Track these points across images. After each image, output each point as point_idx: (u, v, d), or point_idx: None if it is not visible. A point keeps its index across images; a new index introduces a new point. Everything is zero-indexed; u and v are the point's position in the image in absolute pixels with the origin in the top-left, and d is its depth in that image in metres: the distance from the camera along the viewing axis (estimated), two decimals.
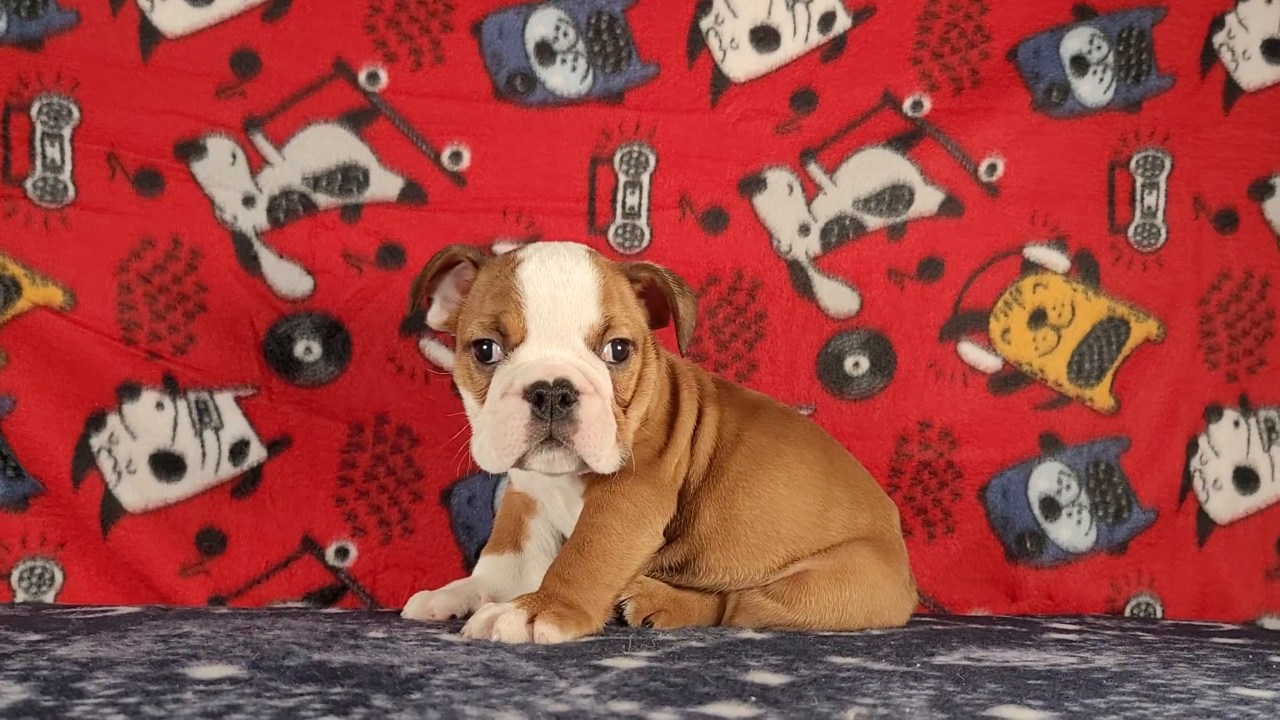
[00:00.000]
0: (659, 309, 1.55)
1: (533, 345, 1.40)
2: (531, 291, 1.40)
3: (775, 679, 1.12)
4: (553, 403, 1.34)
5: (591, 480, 1.47)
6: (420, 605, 1.56)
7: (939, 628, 1.68)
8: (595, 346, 1.42)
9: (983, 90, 2.07)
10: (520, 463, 1.38)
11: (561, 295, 1.40)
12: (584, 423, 1.36)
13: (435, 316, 1.57)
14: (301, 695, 0.96)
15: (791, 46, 2.04)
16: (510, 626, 1.29)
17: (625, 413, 1.44)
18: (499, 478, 1.88)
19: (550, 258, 1.44)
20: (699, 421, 1.58)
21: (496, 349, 1.42)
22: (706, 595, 1.59)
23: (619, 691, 1.02)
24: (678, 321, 1.52)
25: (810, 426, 1.72)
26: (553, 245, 1.48)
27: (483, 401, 1.43)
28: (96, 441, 1.79)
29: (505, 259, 1.47)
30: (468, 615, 1.51)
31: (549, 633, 1.29)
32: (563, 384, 1.35)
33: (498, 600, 1.56)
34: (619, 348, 1.43)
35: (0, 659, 1.10)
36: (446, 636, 1.33)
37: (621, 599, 1.49)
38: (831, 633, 1.54)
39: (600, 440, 1.37)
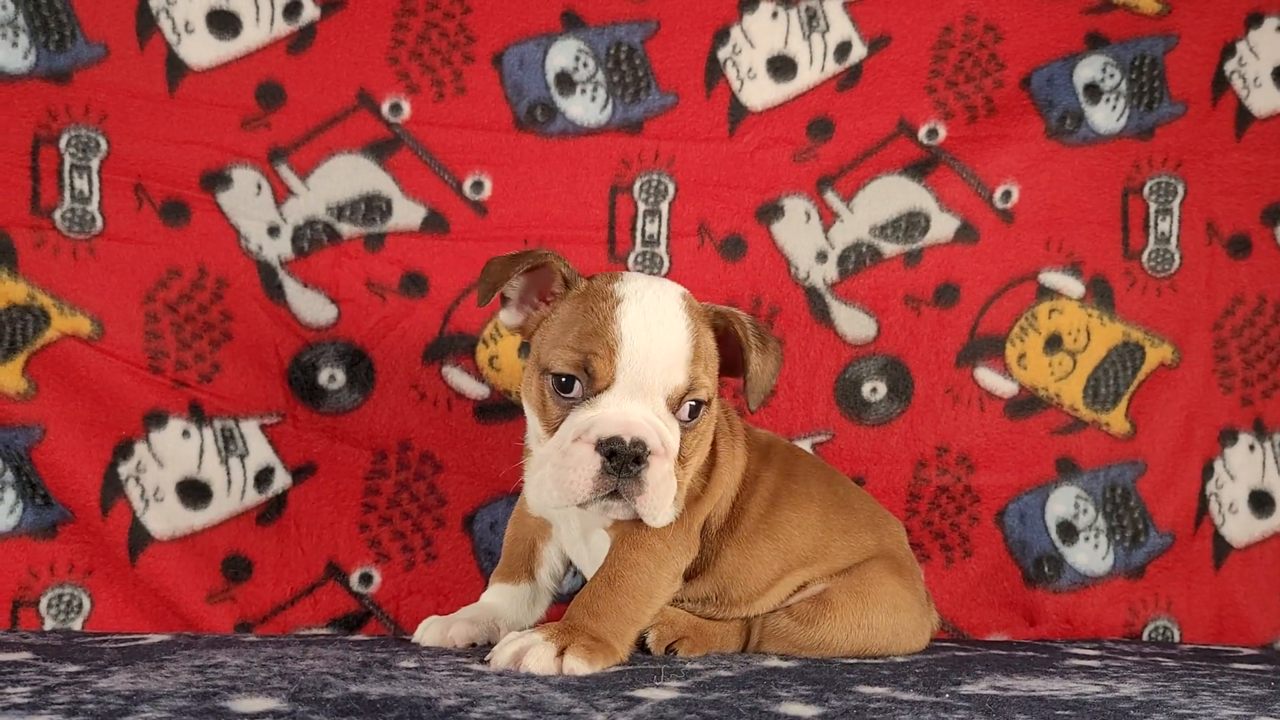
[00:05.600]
0: (731, 356, 1.53)
1: (617, 394, 1.38)
2: (628, 341, 1.38)
3: (807, 710, 1.13)
4: (625, 461, 1.34)
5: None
6: (439, 633, 1.57)
7: (961, 654, 1.70)
8: (675, 407, 1.41)
9: (997, 118, 2.10)
10: (579, 506, 1.39)
11: (655, 352, 1.39)
12: (649, 485, 1.36)
13: (510, 318, 1.54)
14: None
15: (808, 76, 2.06)
16: (539, 660, 1.30)
17: (683, 467, 1.44)
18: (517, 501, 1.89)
19: (652, 306, 1.42)
20: (719, 464, 1.58)
21: (579, 386, 1.40)
22: (728, 623, 1.61)
23: None
24: (747, 378, 1.50)
25: (813, 459, 1.77)
26: (652, 286, 1.45)
27: (550, 431, 1.42)
28: (124, 470, 1.81)
29: (601, 291, 1.44)
30: (487, 645, 1.54)
31: (578, 666, 1.31)
32: (639, 444, 1.35)
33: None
34: (694, 407, 1.43)
35: (45, 692, 1.11)
36: (478, 667, 1.34)
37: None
38: (856, 660, 1.55)
39: (661, 501, 1.38)
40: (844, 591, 1.60)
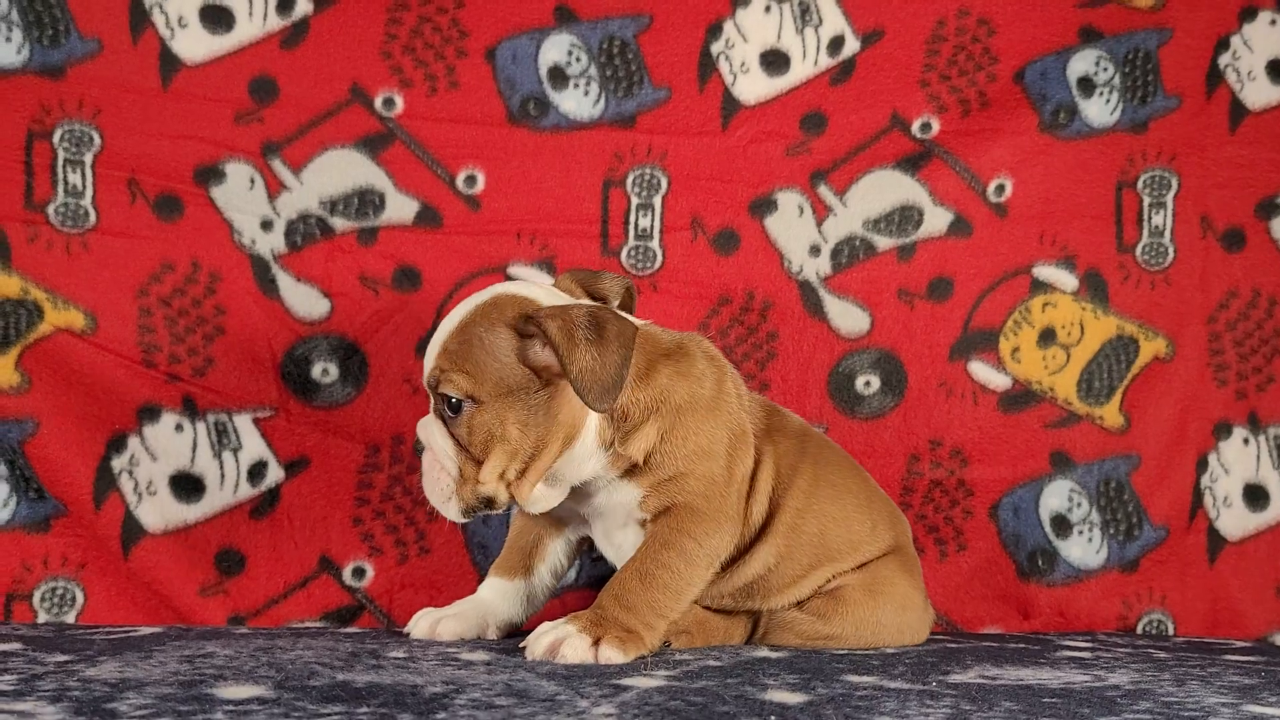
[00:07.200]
0: None
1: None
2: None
3: (793, 698, 1.13)
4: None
5: (655, 513, 1.50)
6: (429, 626, 1.58)
7: (953, 646, 1.70)
8: (437, 403, 1.47)
9: (990, 112, 2.09)
10: None
11: (429, 350, 1.48)
12: (422, 475, 1.50)
13: None
14: (329, 715, 0.98)
15: (801, 70, 2.06)
16: (576, 650, 1.34)
17: (480, 465, 1.43)
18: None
19: (451, 313, 1.49)
20: (758, 462, 1.58)
21: None
22: (735, 616, 1.61)
23: (639, 711, 1.04)
24: (570, 378, 1.34)
25: (839, 450, 1.76)
26: (481, 293, 1.50)
27: None
28: (117, 463, 1.81)
29: None
30: (477, 639, 1.57)
31: (614, 656, 1.34)
32: (416, 442, 1.50)
33: (503, 629, 1.62)
34: (448, 401, 1.43)
35: (31, 680, 1.12)
36: (467, 656, 1.34)
37: None
38: (847, 650, 1.55)
39: (432, 492, 1.48)
40: (859, 588, 1.61)
